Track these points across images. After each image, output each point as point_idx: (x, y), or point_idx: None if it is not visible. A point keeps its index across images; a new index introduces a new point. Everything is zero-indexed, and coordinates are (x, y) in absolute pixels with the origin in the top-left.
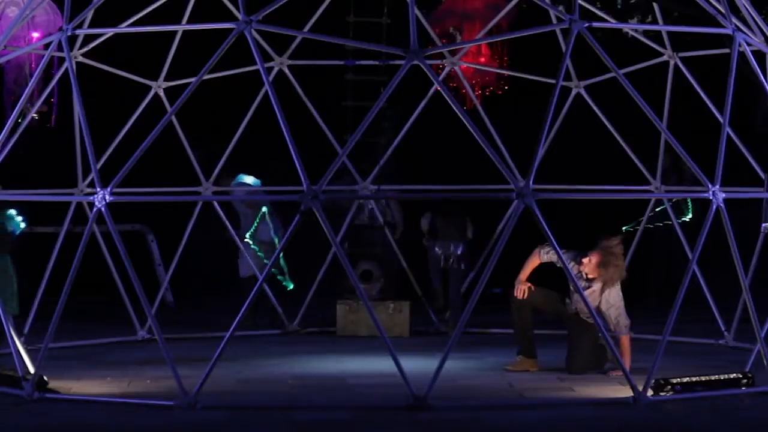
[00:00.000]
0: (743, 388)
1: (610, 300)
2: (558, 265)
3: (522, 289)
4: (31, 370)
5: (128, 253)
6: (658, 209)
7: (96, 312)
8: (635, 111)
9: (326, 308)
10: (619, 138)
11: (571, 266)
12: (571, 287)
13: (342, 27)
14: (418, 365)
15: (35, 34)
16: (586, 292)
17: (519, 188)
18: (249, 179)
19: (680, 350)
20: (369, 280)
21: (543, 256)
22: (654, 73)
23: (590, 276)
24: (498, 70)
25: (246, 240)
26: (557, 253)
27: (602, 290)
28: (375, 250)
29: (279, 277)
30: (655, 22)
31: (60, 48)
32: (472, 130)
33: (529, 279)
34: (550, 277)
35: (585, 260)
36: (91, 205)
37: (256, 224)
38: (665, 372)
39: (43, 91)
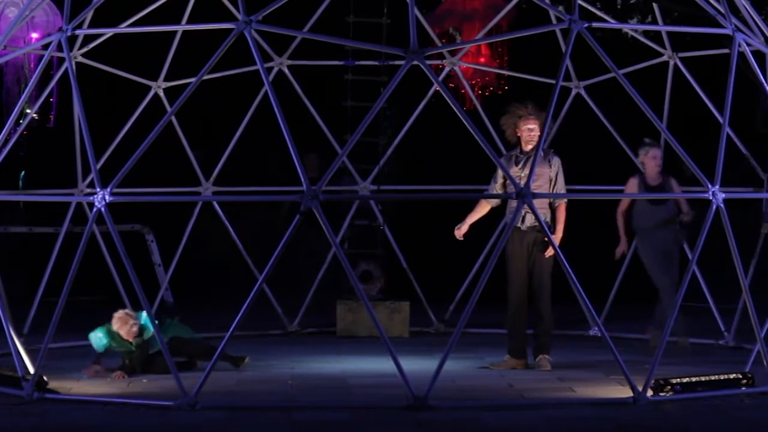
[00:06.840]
0: (743, 388)
1: (542, 172)
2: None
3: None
4: (31, 370)
5: (128, 253)
6: None
7: (96, 312)
8: (635, 111)
9: (326, 308)
10: (619, 138)
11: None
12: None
13: (342, 27)
14: (418, 365)
15: (34, 35)
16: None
17: (519, 188)
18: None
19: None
20: (369, 280)
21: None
22: (654, 73)
23: (525, 148)
24: (498, 70)
25: None
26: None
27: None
28: (375, 250)
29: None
30: (655, 22)
31: (60, 48)
32: (472, 130)
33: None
34: None
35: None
36: (91, 205)
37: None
38: (665, 372)
39: (43, 91)
